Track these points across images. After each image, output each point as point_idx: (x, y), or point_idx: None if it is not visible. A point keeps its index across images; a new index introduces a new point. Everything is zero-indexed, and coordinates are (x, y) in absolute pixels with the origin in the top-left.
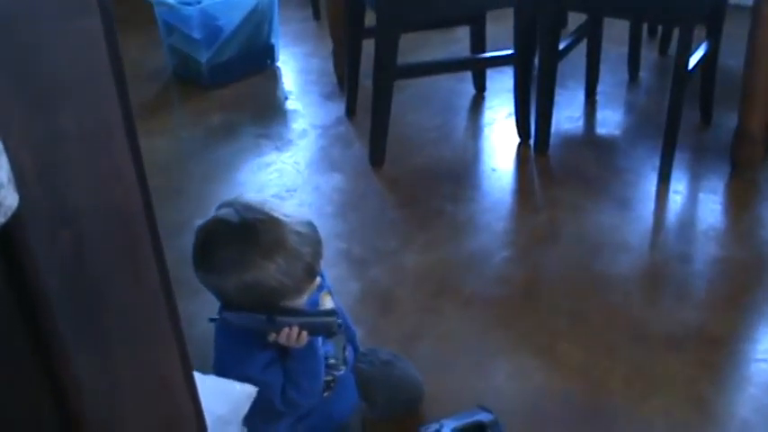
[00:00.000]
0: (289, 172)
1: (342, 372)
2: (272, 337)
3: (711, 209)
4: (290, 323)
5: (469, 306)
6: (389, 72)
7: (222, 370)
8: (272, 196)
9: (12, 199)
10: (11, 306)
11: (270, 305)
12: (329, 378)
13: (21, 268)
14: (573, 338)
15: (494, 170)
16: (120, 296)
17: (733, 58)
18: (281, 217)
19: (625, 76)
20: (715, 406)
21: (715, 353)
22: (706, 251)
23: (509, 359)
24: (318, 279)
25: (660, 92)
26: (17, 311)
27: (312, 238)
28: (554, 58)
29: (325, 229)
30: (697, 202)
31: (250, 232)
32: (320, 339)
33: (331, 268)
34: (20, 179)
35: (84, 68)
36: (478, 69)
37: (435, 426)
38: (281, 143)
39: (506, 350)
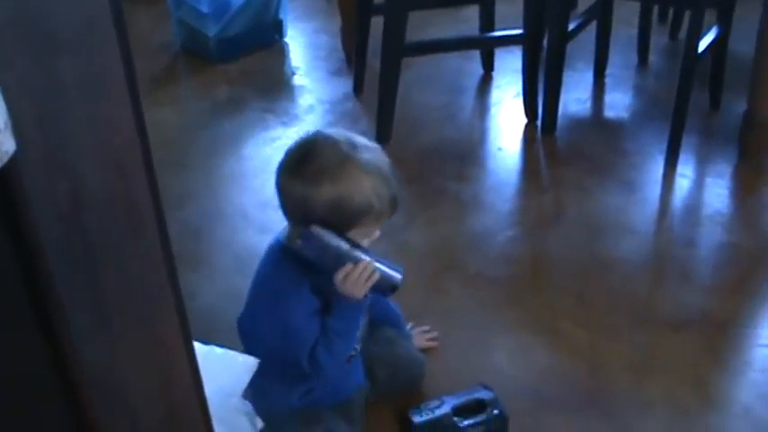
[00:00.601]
0: None
1: (359, 348)
2: (342, 273)
3: (718, 194)
4: (369, 258)
5: (473, 284)
6: (397, 49)
7: (261, 304)
8: None
9: (9, 144)
10: (7, 254)
11: (347, 229)
12: (352, 352)
13: (18, 216)
14: (576, 319)
15: (500, 150)
16: (118, 249)
17: (743, 42)
18: (371, 143)
19: (634, 59)
20: (717, 390)
21: (718, 337)
22: (711, 236)
23: (512, 338)
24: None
25: (669, 76)
26: (13, 260)
27: (392, 173)
28: (563, 38)
29: None
30: (704, 187)
31: (353, 147)
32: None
33: None
34: (19, 127)
35: (84, 18)
36: (487, 49)
37: (436, 402)
38: (288, 118)
39: (509, 329)
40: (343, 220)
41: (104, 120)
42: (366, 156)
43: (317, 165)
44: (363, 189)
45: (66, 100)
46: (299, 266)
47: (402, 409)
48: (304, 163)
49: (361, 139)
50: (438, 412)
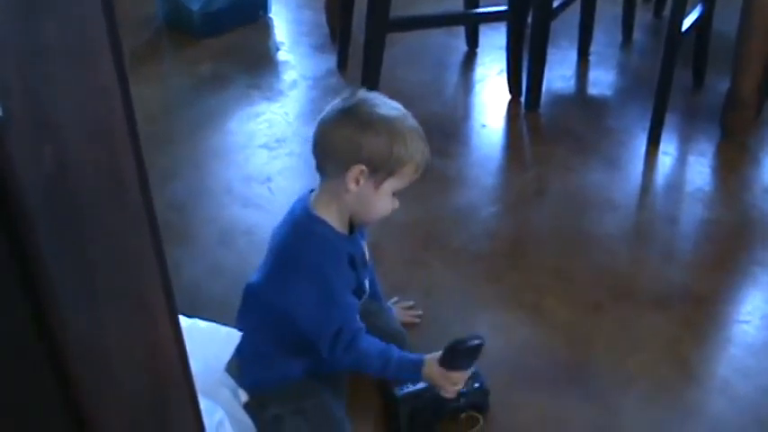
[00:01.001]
0: (278, 122)
1: None
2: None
3: (700, 171)
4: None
5: (456, 260)
6: (382, 25)
7: (294, 272)
8: (261, 146)
9: None
10: None
11: (388, 175)
12: None
13: (3, 179)
14: (558, 295)
15: (483, 126)
16: (103, 216)
17: (727, 22)
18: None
19: (619, 37)
20: (696, 365)
21: (698, 313)
22: (693, 213)
23: (494, 313)
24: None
25: (653, 54)
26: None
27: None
28: (547, 15)
29: (313, 180)
30: (686, 164)
31: (401, 109)
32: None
33: None
34: (3, 91)
35: None
36: (471, 25)
37: None
38: (272, 94)
39: (492, 305)
40: (388, 164)
41: (90, 88)
42: (410, 118)
43: (370, 112)
44: (410, 141)
45: (51, 66)
46: (330, 231)
47: (383, 381)
48: (357, 109)
49: (403, 109)
50: (420, 385)
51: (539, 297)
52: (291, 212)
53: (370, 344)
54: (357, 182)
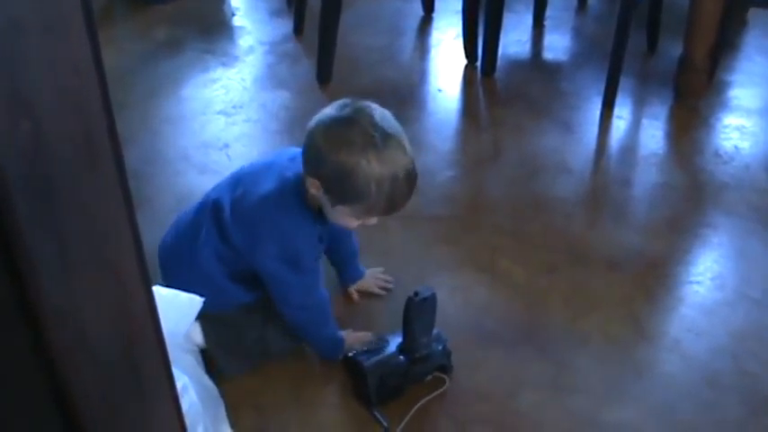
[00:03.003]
0: (235, 88)
1: None
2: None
3: (653, 135)
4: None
5: (414, 223)
6: None
7: (267, 232)
8: (218, 113)
9: None
10: None
11: (339, 202)
12: None
13: None
14: (514, 257)
15: (440, 91)
16: (78, 188)
17: None
18: (407, 146)
19: (573, 1)
20: (649, 324)
21: (651, 274)
22: (646, 176)
23: (452, 275)
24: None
25: (607, 19)
26: None
27: (411, 184)
28: None
29: (271, 146)
30: (639, 128)
31: (386, 137)
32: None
33: None
34: None
35: None
36: None
37: (380, 342)
38: (227, 59)
39: (449, 267)
40: (340, 191)
41: (63, 60)
42: (392, 153)
43: (349, 134)
44: (370, 176)
45: (25, 40)
46: (309, 213)
47: (347, 354)
48: (340, 126)
49: (399, 136)
50: (384, 353)
51: (495, 259)
52: (287, 168)
53: (323, 312)
54: (317, 190)
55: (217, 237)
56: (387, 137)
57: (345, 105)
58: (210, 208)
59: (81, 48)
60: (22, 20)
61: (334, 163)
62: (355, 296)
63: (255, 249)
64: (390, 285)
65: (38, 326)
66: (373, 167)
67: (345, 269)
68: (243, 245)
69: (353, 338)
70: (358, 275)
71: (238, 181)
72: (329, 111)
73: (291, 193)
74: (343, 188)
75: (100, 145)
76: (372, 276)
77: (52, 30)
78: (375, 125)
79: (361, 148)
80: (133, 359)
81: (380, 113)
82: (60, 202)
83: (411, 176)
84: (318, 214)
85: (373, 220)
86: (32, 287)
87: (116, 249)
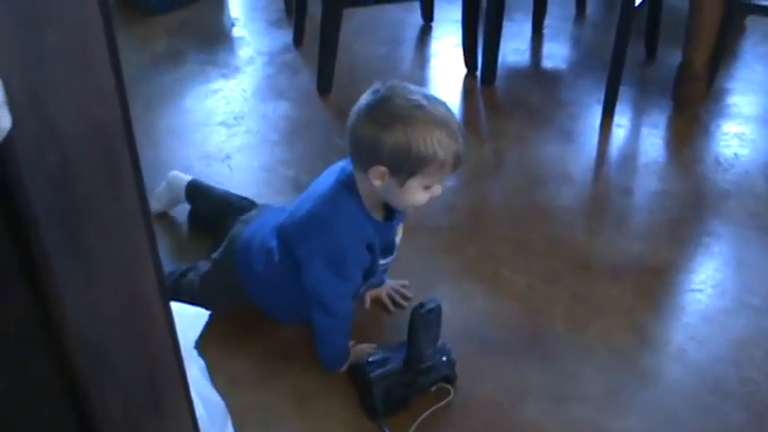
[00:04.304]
0: (236, 99)
1: None
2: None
3: (653, 143)
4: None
5: (416, 233)
6: (339, 0)
7: (317, 232)
8: (219, 124)
9: (6, 120)
10: (3, 222)
11: (410, 175)
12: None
13: (12, 187)
14: (516, 266)
15: None
16: (102, 213)
17: None
18: (445, 103)
19: (572, 10)
20: (651, 333)
21: (653, 282)
22: (647, 184)
23: (454, 285)
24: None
25: (606, 27)
26: (7, 229)
27: (462, 133)
28: None
29: (272, 157)
30: (639, 136)
31: (426, 98)
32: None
33: (277, 195)
34: (12, 101)
35: None
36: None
37: (386, 354)
38: (228, 70)
39: (451, 277)
40: (407, 165)
41: (89, 91)
42: (438, 109)
43: (392, 109)
44: (431, 138)
45: (53, 73)
46: (363, 214)
47: (353, 364)
48: (380, 106)
49: (434, 96)
50: (390, 364)
51: (497, 268)
52: (342, 171)
53: (345, 324)
54: (382, 179)
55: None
56: (426, 97)
57: (376, 90)
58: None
59: (105, 78)
60: (50, 52)
61: (392, 141)
62: (367, 303)
63: (303, 244)
64: (405, 303)
65: (62, 349)
66: (432, 129)
67: None
68: (293, 240)
69: (356, 351)
70: (377, 283)
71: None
72: (364, 101)
73: (346, 194)
74: (410, 159)
75: (123, 174)
76: (391, 288)
77: (78, 61)
78: (411, 92)
79: (410, 116)
80: (153, 379)
81: (410, 85)
82: (86, 230)
83: (460, 126)
84: (380, 215)
85: (439, 189)
86: (58, 312)
87: (138, 275)
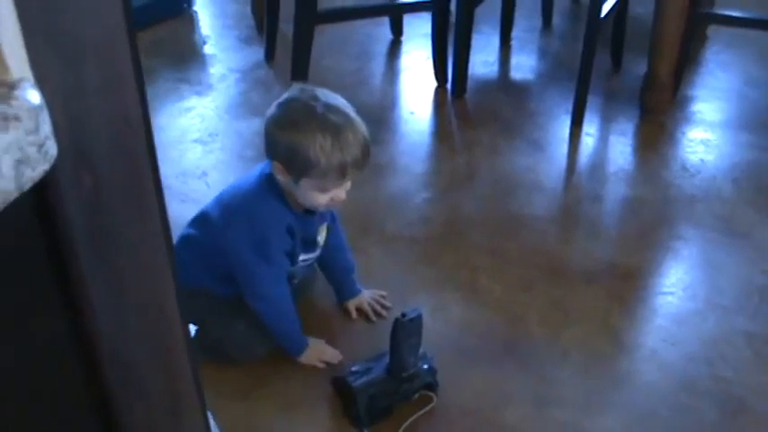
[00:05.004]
0: (210, 116)
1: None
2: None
3: (621, 151)
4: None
5: (392, 245)
6: (310, 17)
7: (240, 221)
8: (195, 141)
9: (53, 148)
10: (43, 242)
11: (300, 177)
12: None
13: (53, 209)
14: (492, 275)
15: (412, 113)
16: (129, 234)
17: (643, 5)
18: (350, 113)
19: (539, 22)
20: (626, 336)
21: (625, 287)
22: (616, 191)
23: (432, 295)
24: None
25: (572, 38)
26: (47, 247)
27: (363, 148)
28: (471, 3)
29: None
30: (608, 145)
31: (325, 107)
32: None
33: None
34: (54, 129)
35: (103, 28)
36: (397, 15)
37: (368, 364)
38: (201, 88)
39: (429, 286)
40: (295, 166)
41: (119, 118)
42: (332, 118)
43: (289, 111)
44: (314, 145)
45: (89, 102)
46: (283, 203)
47: (334, 371)
48: (282, 106)
49: (342, 105)
50: (372, 374)
51: (474, 277)
52: (267, 164)
53: (281, 307)
54: (282, 174)
55: (199, 227)
56: (328, 106)
57: (292, 89)
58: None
59: (133, 105)
60: (87, 83)
61: (283, 140)
62: (353, 313)
63: (228, 232)
64: (385, 313)
65: (94, 362)
66: (317, 136)
67: (341, 285)
68: (218, 226)
69: (320, 350)
70: (354, 293)
71: (225, 188)
72: (277, 101)
73: (267, 184)
74: (297, 161)
75: (147, 196)
76: (371, 297)
77: (110, 91)
78: (316, 98)
79: (305, 120)
80: (173, 393)
81: (323, 90)
82: (115, 249)
83: (360, 140)
84: (293, 206)
85: (341, 195)
86: (91, 326)
87: (160, 291)
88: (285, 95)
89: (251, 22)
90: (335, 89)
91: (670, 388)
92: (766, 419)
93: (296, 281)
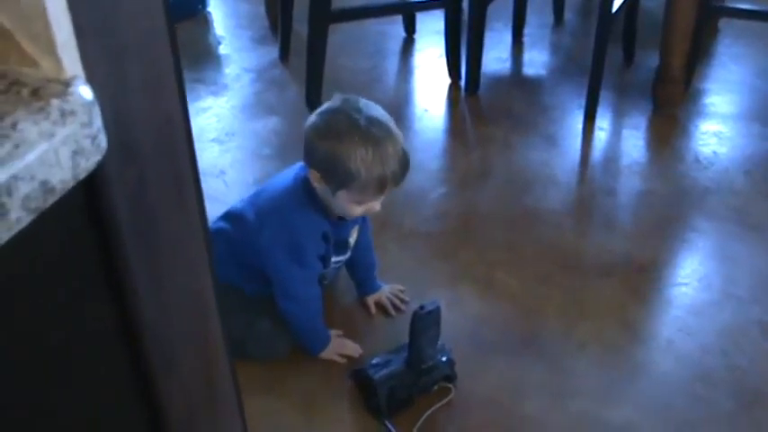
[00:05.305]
0: (226, 116)
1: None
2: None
3: (634, 144)
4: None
5: (409, 241)
6: (325, 17)
7: (274, 226)
8: (212, 141)
9: (104, 141)
10: (90, 230)
11: (337, 188)
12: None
13: (101, 200)
14: (508, 269)
15: (426, 111)
16: (170, 223)
17: (654, 0)
18: (392, 126)
19: (550, 18)
20: (642, 327)
21: (641, 279)
22: (630, 184)
23: (448, 289)
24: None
25: (584, 33)
26: (95, 237)
27: (402, 163)
28: (484, 0)
29: (265, 171)
30: (621, 138)
31: (368, 120)
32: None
33: None
34: (105, 125)
35: (146, 29)
36: (410, 13)
37: (387, 357)
38: (217, 88)
39: (446, 281)
40: (333, 177)
41: (161, 114)
42: (374, 131)
43: (331, 122)
44: (355, 157)
45: (133, 100)
46: (320, 211)
47: (354, 365)
48: (325, 116)
49: (384, 118)
50: (392, 366)
51: (490, 271)
52: (302, 168)
53: (311, 309)
54: (319, 182)
55: (233, 223)
56: (370, 119)
57: (335, 99)
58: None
59: (172, 102)
60: (131, 82)
61: (323, 150)
62: (372, 308)
63: (263, 235)
64: (404, 307)
65: (139, 347)
66: (359, 149)
67: (363, 281)
68: (253, 227)
69: (340, 344)
70: (375, 288)
71: (260, 188)
72: (320, 107)
73: (303, 190)
74: (336, 173)
75: (187, 186)
76: (390, 292)
77: (152, 89)
78: (359, 110)
79: (347, 132)
80: (210, 380)
81: (366, 102)
82: (157, 239)
83: (399, 155)
84: (328, 212)
85: (376, 206)
86: (136, 312)
87: (199, 281)
88: (327, 105)
89: (265, 22)
90: (350, 88)
91: (686, 378)
92: None
93: (326, 281)
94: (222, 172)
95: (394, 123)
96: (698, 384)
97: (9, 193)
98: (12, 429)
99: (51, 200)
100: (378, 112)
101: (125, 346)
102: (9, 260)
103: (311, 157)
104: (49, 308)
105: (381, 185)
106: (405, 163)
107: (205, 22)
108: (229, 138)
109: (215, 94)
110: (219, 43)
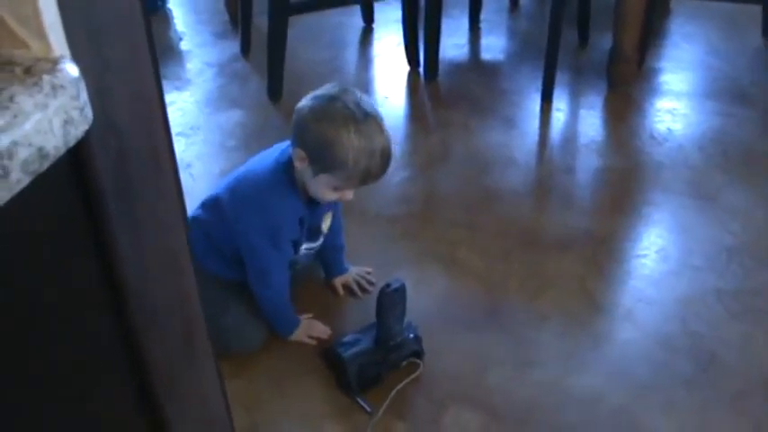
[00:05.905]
0: (191, 110)
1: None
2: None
3: (591, 123)
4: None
5: (374, 224)
6: (284, 9)
7: (251, 208)
8: (177, 134)
9: (90, 112)
10: (77, 196)
11: (320, 171)
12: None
13: (86, 166)
14: (471, 247)
15: (386, 98)
16: (148, 190)
17: None
18: (384, 125)
19: (506, 3)
20: (602, 298)
21: (600, 252)
22: (588, 162)
23: (414, 269)
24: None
25: (539, 17)
26: (81, 198)
27: (386, 160)
28: None
29: (230, 163)
30: (578, 118)
31: (365, 115)
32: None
33: None
34: (90, 102)
35: (121, 16)
36: (367, 2)
37: (356, 336)
38: (180, 83)
39: (410, 261)
40: (320, 160)
41: (138, 92)
42: (369, 129)
43: (329, 108)
44: (348, 146)
45: (114, 79)
46: (297, 195)
47: (324, 345)
48: (322, 101)
49: (378, 117)
50: (361, 344)
51: (453, 250)
52: (282, 153)
53: (283, 293)
54: (302, 162)
55: (209, 211)
56: (366, 114)
57: (332, 87)
58: (209, 200)
59: (148, 81)
60: (111, 63)
61: (317, 132)
62: (340, 290)
63: (241, 217)
64: (371, 288)
65: (121, 300)
66: (352, 139)
67: (331, 264)
68: (230, 212)
69: (310, 326)
70: (342, 271)
71: (238, 172)
72: (318, 91)
73: (283, 173)
74: (325, 156)
75: (162, 156)
76: (357, 274)
77: (131, 71)
78: (356, 103)
79: (343, 121)
80: (190, 338)
81: (361, 96)
82: (136, 200)
83: (386, 153)
84: (306, 198)
85: (349, 195)
86: (117, 264)
87: (174, 241)
88: (325, 90)
89: (225, 17)
90: (311, 78)
91: (646, 345)
92: (736, 369)
93: (298, 266)
94: (189, 165)
95: (384, 121)
96: (658, 350)
97: (10, 156)
98: (3, 377)
99: (46, 164)
100: (374, 109)
101: (110, 300)
102: (8, 219)
103: (301, 137)
104: (43, 264)
105: (364, 179)
106: (388, 162)
107: (165, 18)
108: (194, 131)
109: (178, 88)
110: (181, 39)
